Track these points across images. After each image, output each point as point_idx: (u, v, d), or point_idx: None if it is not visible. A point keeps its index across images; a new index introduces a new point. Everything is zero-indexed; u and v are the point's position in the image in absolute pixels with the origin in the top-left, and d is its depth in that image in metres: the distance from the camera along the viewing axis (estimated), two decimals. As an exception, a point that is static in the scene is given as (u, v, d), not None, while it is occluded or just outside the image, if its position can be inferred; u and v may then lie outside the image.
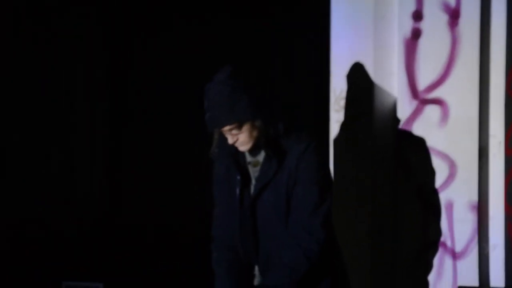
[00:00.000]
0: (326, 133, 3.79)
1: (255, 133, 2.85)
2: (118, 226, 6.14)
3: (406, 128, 3.67)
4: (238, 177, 2.93)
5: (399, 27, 3.65)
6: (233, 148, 2.91)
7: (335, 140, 3.74)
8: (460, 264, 3.58)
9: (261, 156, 2.92)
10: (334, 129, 3.76)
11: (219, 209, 3.05)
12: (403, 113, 3.68)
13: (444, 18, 3.59)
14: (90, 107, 6.36)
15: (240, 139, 2.85)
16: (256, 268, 3.00)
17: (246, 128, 2.83)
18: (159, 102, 6.90)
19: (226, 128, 2.84)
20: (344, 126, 3.73)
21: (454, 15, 3.58)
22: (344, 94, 3.72)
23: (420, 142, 3.64)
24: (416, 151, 3.66)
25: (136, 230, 6.23)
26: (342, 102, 3.74)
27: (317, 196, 2.86)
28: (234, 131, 2.83)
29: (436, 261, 3.63)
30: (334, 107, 3.77)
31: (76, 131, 6.27)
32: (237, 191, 2.93)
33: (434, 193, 3.63)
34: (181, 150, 6.79)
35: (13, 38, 5.71)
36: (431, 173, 3.63)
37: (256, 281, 3.01)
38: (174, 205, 6.46)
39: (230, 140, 2.86)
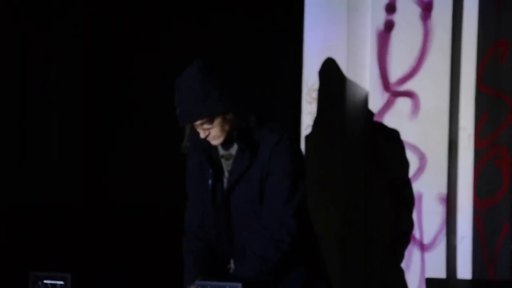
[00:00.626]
0: (298, 124, 3.79)
1: (227, 127, 2.84)
2: (88, 217, 6.12)
3: (378, 120, 3.68)
4: (211, 171, 2.92)
5: (372, 19, 3.66)
6: (205, 143, 2.89)
7: (307, 131, 3.75)
8: (428, 256, 3.60)
9: (233, 149, 2.91)
10: (306, 120, 3.77)
11: (191, 202, 3.04)
12: (374, 105, 3.69)
13: (417, 10, 3.60)
14: (68, 89, 6.32)
15: (212, 133, 2.84)
16: (232, 260, 3.01)
17: (217, 122, 2.82)
18: (149, 97, 6.88)
19: (198, 122, 2.82)
20: (316, 118, 3.74)
21: (426, 8, 3.60)
22: (316, 85, 3.73)
23: (391, 135, 3.66)
24: (387, 144, 3.68)
25: (108, 221, 6.22)
26: (314, 94, 3.74)
27: (290, 187, 2.85)
28: (205, 126, 2.82)
29: (404, 252, 3.65)
30: (306, 99, 3.77)
31: (57, 123, 6.25)
32: (210, 185, 2.92)
33: (406, 185, 3.65)
34: (167, 145, 6.76)
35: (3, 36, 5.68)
36: (403, 165, 3.64)
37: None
38: (151, 197, 6.45)
39: (202, 135, 2.85)
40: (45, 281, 2.79)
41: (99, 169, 6.58)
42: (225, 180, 2.93)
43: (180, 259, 3.14)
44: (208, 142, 2.88)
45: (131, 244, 5.88)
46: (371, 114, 3.68)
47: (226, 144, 2.90)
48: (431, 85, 3.59)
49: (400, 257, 3.66)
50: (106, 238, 5.95)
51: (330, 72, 3.69)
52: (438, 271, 3.57)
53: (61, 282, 2.77)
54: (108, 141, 6.66)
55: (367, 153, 3.71)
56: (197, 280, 2.77)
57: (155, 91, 6.89)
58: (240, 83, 2.89)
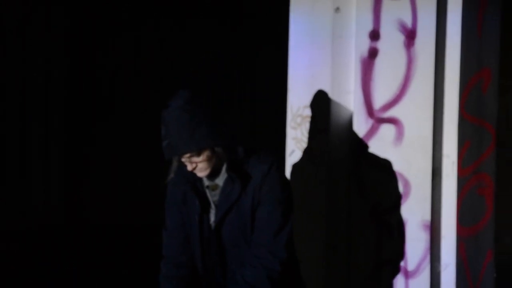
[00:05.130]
0: (283, 150, 3.79)
1: (214, 159, 2.82)
2: (68, 236, 6.06)
3: (362, 146, 3.68)
4: (197, 203, 2.89)
5: (356, 46, 3.67)
6: (190, 174, 2.87)
7: (291, 157, 3.75)
8: (412, 282, 3.60)
9: (220, 180, 2.89)
10: (291, 145, 3.77)
11: (170, 231, 3.01)
12: (359, 132, 3.69)
13: (400, 38, 3.62)
14: (48, 110, 6.30)
15: (199, 165, 2.82)
16: None
17: (205, 155, 2.80)
18: (120, 106, 6.86)
19: (185, 155, 2.80)
20: (300, 143, 3.73)
21: (410, 36, 3.62)
22: (301, 111, 3.73)
23: (375, 161, 3.66)
24: (371, 170, 3.68)
25: (88, 240, 6.15)
26: (299, 119, 3.74)
27: (281, 217, 2.85)
28: (193, 159, 2.80)
29: (388, 279, 3.65)
30: (291, 124, 3.77)
31: (32, 132, 6.19)
32: (196, 216, 2.90)
33: (390, 212, 3.65)
34: (142, 151, 6.75)
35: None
36: (386, 191, 3.65)
37: None
38: (130, 217, 6.40)
39: (189, 167, 2.83)
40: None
41: (78, 190, 6.55)
42: (211, 211, 2.91)
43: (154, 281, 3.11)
44: (194, 173, 2.86)
45: (110, 263, 5.84)
46: (355, 140, 3.68)
47: (211, 174, 2.88)
48: (415, 112, 3.61)
49: (384, 283, 3.65)
50: (86, 257, 5.90)
51: (315, 98, 3.70)
52: (423, 298, 3.57)
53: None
54: (87, 162, 6.62)
55: (350, 179, 3.71)
56: None
57: (139, 112, 6.89)
58: (226, 114, 2.87)
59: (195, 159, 2.80)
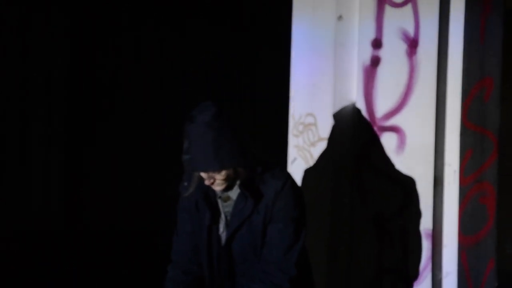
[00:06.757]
0: (284, 158, 3.80)
1: (233, 177, 2.82)
2: (69, 242, 6.06)
3: (364, 155, 3.69)
4: (208, 214, 2.90)
5: (358, 54, 3.67)
6: (203, 184, 2.87)
7: (293, 165, 3.75)
8: (414, 291, 3.62)
9: (233, 193, 2.89)
10: (293, 153, 3.77)
11: (181, 237, 3.02)
12: (361, 140, 3.70)
13: (403, 46, 3.62)
14: (48, 114, 6.30)
15: (217, 181, 2.82)
16: None
17: (225, 172, 2.79)
18: (120, 107, 6.85)
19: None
20: (302, 151, 3.74)
21: (412, 44, 3.62)
22: (303, 119, 3.74)
23: (377, 169, 3.67)
24: (373, 178, 3.69)
25: (89, 246, 6.16)
26: (301, 127, 3.75)
27: (293, 234, 2.85)
28: (213, 174, 2.80)
29: (389, 287, 3.66)
30: (293, 132, 3.78)
31: (33, 138, 6.20)
32: (206, 227, 2.91)
33: (391, 220, 3.66)
34: (142, 151, 6.75)
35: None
36: (388, 199, 3.66)
37: None
38: (130, 223, 6.39)
39: (207, 182, 2.82)
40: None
41: (78, 190, 6.54)
42: (221, 222, 2.92)
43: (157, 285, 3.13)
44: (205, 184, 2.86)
45: (110, 264, 5.85)
46: (357, 148, 3.69)
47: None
48: (417, 120, 3.61)
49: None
50: (86, 258, 5.90)
51: (317, 106, 3.70)
52: (424, 307, 3.59)
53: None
54: (87, 162, 6.62)
55: (352, 187, 3.72)
56: None
57: (139, 112, 6.89)
58: (247, 133, 2.85)
59: (215, 175, 2.80)
